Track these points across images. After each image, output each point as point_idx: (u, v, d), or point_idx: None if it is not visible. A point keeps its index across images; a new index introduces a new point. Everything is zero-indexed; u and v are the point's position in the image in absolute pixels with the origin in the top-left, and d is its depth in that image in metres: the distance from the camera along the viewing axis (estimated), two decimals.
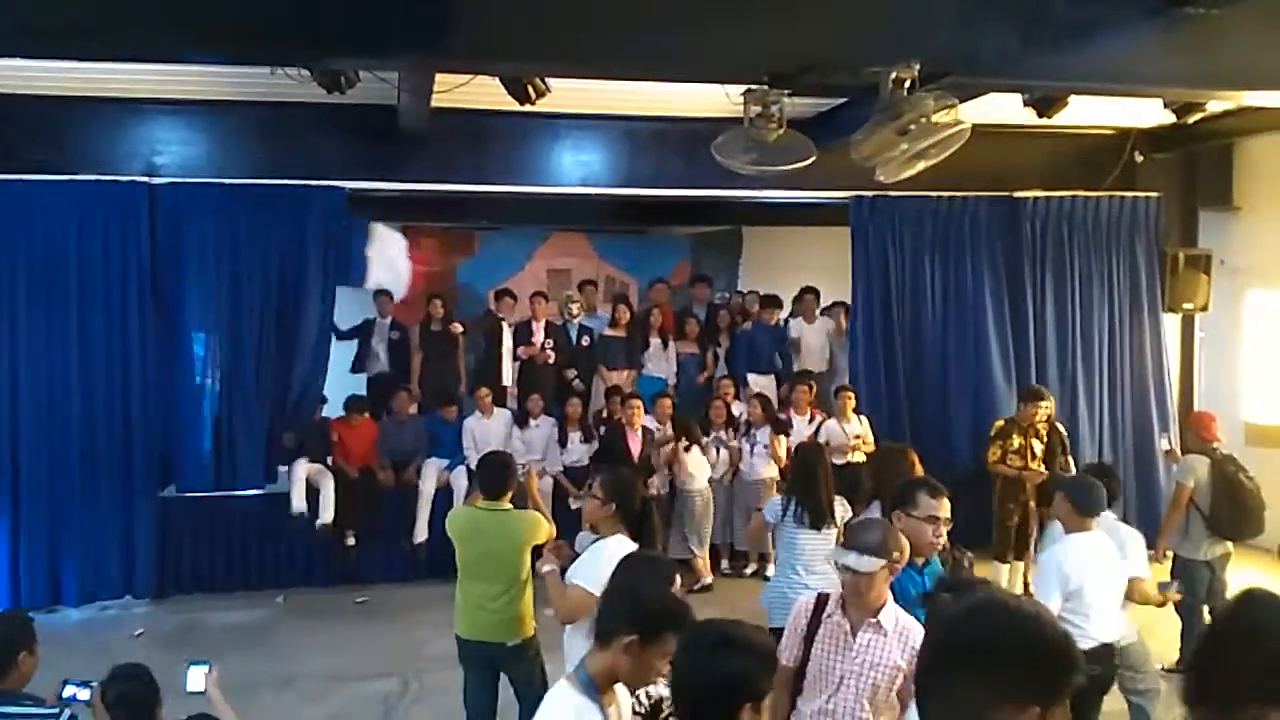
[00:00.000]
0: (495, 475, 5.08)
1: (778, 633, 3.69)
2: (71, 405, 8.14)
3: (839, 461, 8.81)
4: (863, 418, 9.11)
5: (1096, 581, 4.66)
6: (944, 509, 4.06)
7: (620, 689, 2.91)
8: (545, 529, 5.07)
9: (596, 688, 2.78)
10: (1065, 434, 8.35)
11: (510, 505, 5.09)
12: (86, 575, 8.22)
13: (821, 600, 3.67)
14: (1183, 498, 6.62)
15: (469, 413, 9.51)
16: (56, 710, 3.62)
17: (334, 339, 10.07)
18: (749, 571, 9.16)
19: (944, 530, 4.09)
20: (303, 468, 8.79)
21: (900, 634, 3.52)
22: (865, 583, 3.49)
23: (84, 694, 3.75)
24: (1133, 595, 5.14)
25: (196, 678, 3.93)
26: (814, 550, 5.59)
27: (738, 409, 9.53)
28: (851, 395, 9.11)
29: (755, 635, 2.57)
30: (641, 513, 4.45)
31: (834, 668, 3.53)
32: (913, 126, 5.14)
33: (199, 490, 8.63)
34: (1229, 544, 6.64)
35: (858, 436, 8.96)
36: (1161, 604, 5.57)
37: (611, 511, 4.37)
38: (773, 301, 10.52)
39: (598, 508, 4.40)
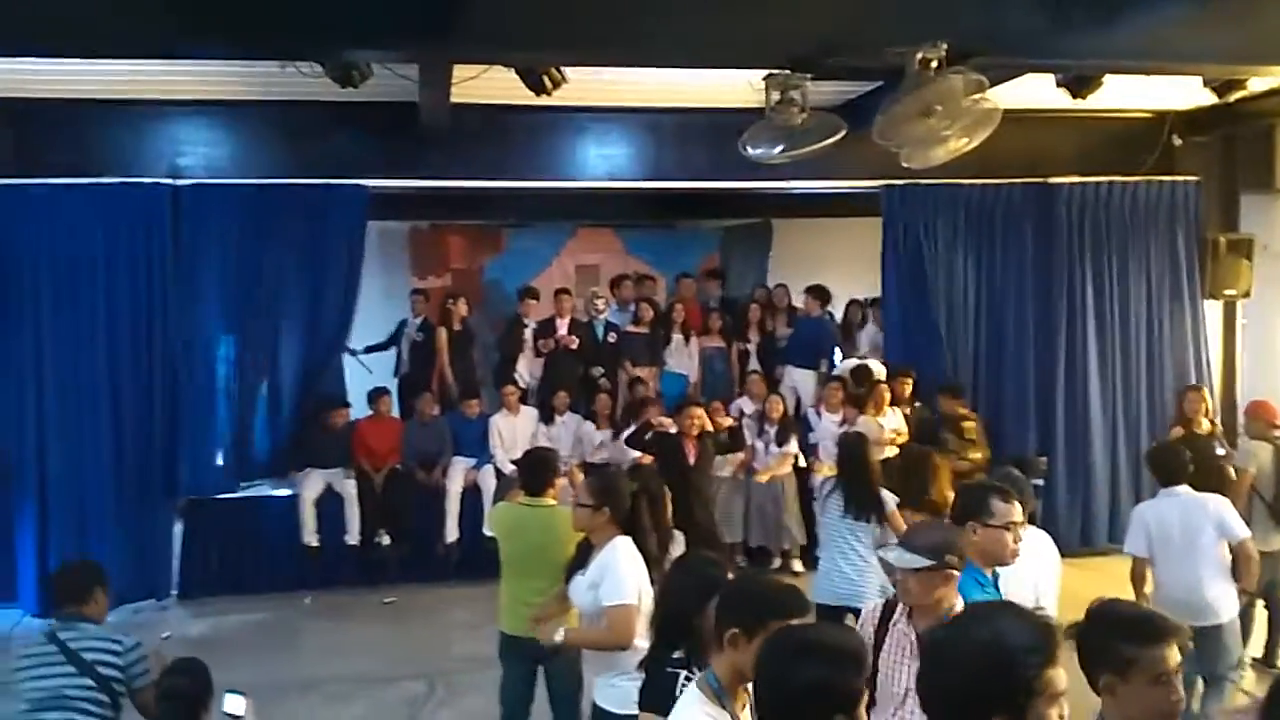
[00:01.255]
0: (538, 471, 4.99)
1: (822, 609, 3.47)
2: (97, 407, 8.13)
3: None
4: (897, 410, 8.94)
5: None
6: (1017, 513, 3.78)
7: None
8: None
9: (726, 692, 2.70)
10: (971, 426, 8.24)
11: (554, 501, 5.00)
12: (114, 578, 8.06)
13: (890, 607, 3.44)
14: (1244, 484, 6.39)
15: (492, 410, 9.43)
16: (129, 637, 4.08)
17: (364, 352, 10.07)
18: (774, 566, 8.98)
19: (1022, 535, 3.82)
20: (310, 492, 8.69)
21: None
22: (912, 582, 3.27)
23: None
24: (1250, 554, 5.12)
25: (235, 703, 3.83)
26: (840, 535, 5.68)
27: (751, 407, 9.39)
28: (888, 389, 8.95)
29: (838, 637, 2.37)
30: (632, 512, 4.27)
31: (899, 680, 3.29)
32: (939, 107, 4.97)
33: (224, 492, 8.62)
34: None
35: (895, 431, 8.76)
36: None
37: (606, 516, 4.20)
38: (815, 291, 10.42)
39: (590, 514, 4.21)
